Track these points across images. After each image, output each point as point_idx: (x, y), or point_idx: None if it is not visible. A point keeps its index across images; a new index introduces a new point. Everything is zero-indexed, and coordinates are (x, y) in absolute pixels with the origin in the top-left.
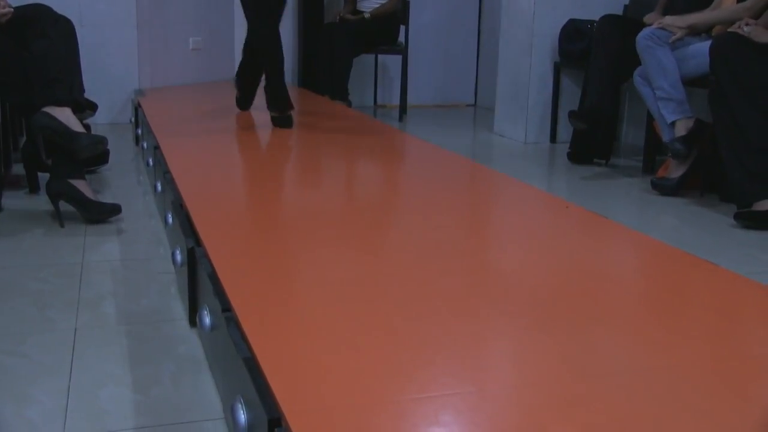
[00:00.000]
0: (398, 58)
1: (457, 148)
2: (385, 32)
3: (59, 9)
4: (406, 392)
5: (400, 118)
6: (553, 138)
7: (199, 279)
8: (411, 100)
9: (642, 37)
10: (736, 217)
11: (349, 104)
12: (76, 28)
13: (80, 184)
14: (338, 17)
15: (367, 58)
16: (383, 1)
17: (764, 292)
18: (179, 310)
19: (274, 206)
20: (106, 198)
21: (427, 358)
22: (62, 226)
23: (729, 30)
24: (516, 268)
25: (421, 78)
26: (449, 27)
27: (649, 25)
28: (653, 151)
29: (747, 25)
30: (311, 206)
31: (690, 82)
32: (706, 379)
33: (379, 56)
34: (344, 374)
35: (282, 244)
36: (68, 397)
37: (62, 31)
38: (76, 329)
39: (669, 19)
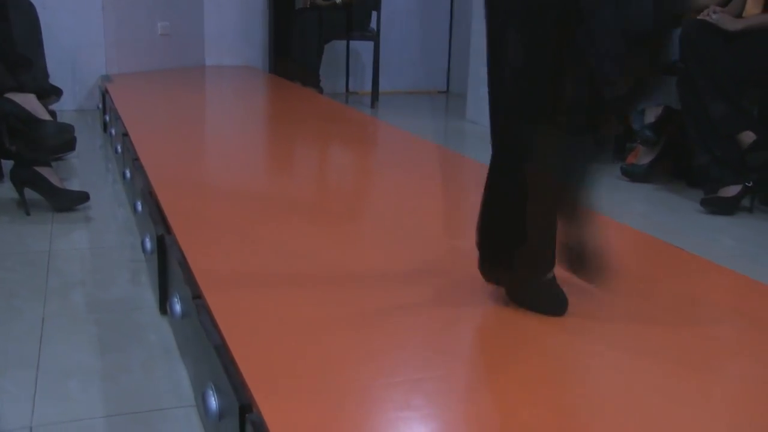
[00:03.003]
0: (370, 44)
1: (430, 135)
2: (357, 18)
3: None
4: (376, 377)
5: (372, 105)
6: None
7: (169, 266)
8: (383, 86)
9: None
10: (703, 202)
11: (321, 91)
12: (38, 10)
13: (46, 172)
14: (309, 3)
15: (339, 45)
16: None
17: (728, 276)
18: (149, 298)
19: (245, 193)
20: (74, 185)
21: (397, 343)
22: (28, 213)
23: (697, 17)
24: None
25: (393, 65)
26: (421, 13)
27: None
28: (623, 138)
29: (714, 12)
30: (283, 193)
31: None
32: (671, 359)
33: (351, 43)
34: (315, 360)
35: (253, 231)
36: (36, 387)
37: (24, 14)
38: (43, 318)
39: None
